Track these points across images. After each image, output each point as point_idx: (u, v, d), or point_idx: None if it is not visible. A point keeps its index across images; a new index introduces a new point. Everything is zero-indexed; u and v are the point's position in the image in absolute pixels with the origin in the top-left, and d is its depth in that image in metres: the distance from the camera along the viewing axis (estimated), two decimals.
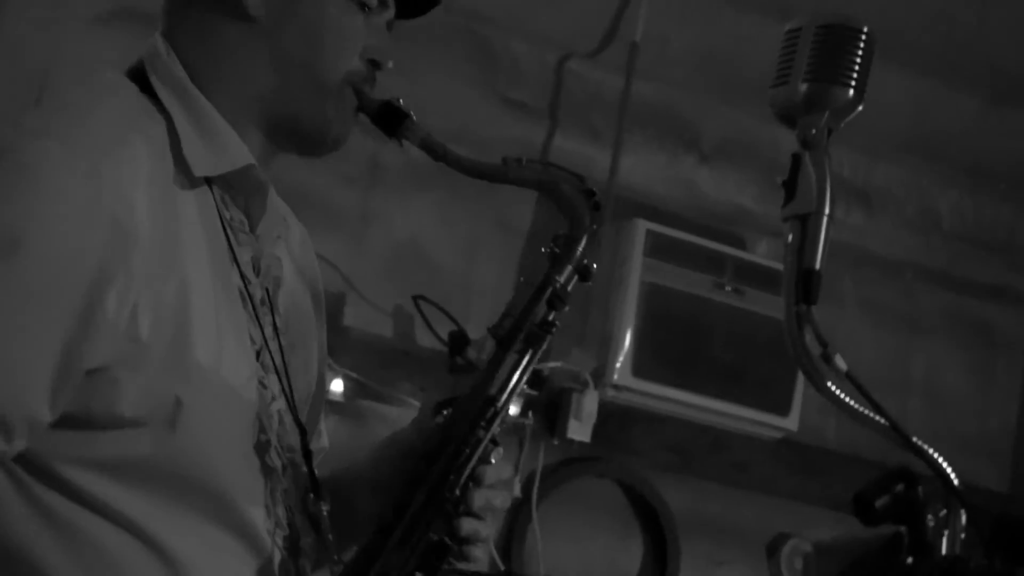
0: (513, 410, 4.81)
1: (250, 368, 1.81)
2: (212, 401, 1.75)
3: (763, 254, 5.13)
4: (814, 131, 1.89)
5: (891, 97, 5.11)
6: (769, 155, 4.95)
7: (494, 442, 1.87)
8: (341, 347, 4.49)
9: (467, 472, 1.84)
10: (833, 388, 1.82)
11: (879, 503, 1.82)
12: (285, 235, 1.99)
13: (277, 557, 1.82)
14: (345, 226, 4.57)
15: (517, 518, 4.88)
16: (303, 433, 1.87)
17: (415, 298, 4.75)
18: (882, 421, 1.83)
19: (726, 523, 5.21)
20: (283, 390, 1.86)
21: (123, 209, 1.69)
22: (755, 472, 5.21)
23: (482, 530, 1.89)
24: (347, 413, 4.54)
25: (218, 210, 1.82)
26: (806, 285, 1.83)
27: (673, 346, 4.89)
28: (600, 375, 4.80)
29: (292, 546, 1.84)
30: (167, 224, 1.74)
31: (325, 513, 1.87)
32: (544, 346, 1.89)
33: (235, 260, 1.82)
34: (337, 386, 4.53)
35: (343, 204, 4.58)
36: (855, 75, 1.88)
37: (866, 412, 1.83)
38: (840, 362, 1.81)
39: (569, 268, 1.90)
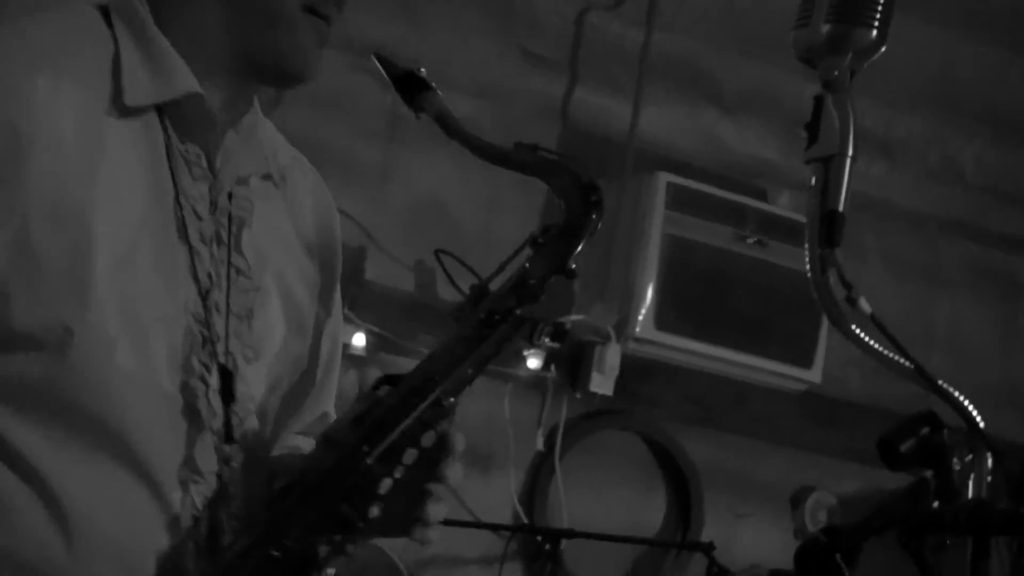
0: (535, 363, 4.85)
1: (177, 306, 1.74)
2: (115, 333, 1.69)
3: (785, 206, 5.11)
4: (836, 73, 1.86)
5: (913, 48, 5.07)
6: (791, 107, 4.92)
7: (429, 425, 1.74)
8: (362, 301, 4.48)
9: (383, 448, 1.71)
10: (858, 331, 1.80)
11: (904, 447, 1.81)
12: (280, 179, 1.92)
13: (187, 503, 1.75)
14: (365, 181, 4.56)
15: (540, 471, 4.89)
16: (224, 375, 1.77)
17: (437, 252, 4.72)
18: (908, 364, 1.81)
19: (749, 476, 5.20)
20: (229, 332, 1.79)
21: (26, 119, 1.66)
22: (778, 425, 5.20)
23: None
24: (369, 367, 4.54)
25: (167, 142, 1.77)
26: (829, 227, 1.81)
27: (695, 299, 4.88)
28: (622, 328, 4.80)
29: (216, 495, 1.77)
30: (86, 147, 1.70)
31: (234, 464, 1.78)
32: (505, 340, 1.77)
33: (177, 193, 1.76)
34: (359, 340, 4.52)
35: (363, 159, 4.57)
36: (878, 15, 1.85)
37: (891, 356, 1.81)
38: (864, 305, 1.79)
39: (553, 262, 1.79)
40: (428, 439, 1.73)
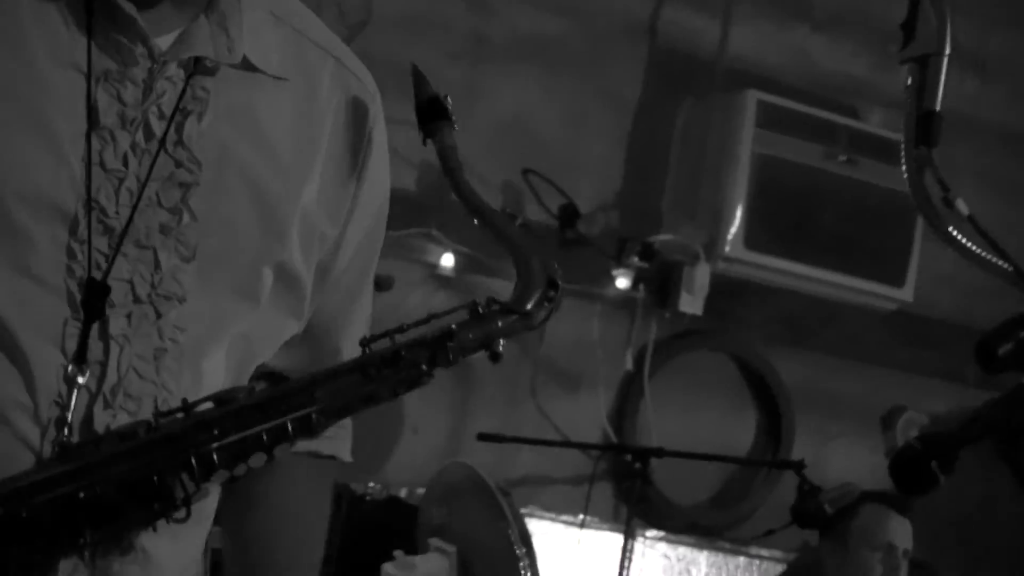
0: (624, 283, 4.84)
1: (61, 189, 1.63)
2: None
3: (877, 124, 5.06)
4: None
5: None
6: (882, 22, 4.86)
7: (290, 437, 1.62)
8: (451, 222, 4.49)
9: (233, 439, 1.59)
10: (955, 233, 1.77)
11: (1002, 350, 1.78)
12: (297, 72, 1.78)
13: (59, 400, 1.63)
14: (451, 101, 4.54)
15: (629, 391, 4.89)
16: (91, 288, 1.65)
17: (525, 172, 4.74)
18: (1006, 267, 1.78)
19: (839, 396, 5.18)
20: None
21: None
22: (869, 344, 5.17)
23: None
24: (456, 288, 4.55)
25: (90, 24, 1.66)
26: (926, 127, 1.77)
27: (785, 217, 4.84)
28: (712, 247, 4.78)
29: (92, 401, 1.65)
30: None
31: (79, 386, 1.64)
32: (398, 389, 1.64)
33: (91, 76, 1.65)
34: (447, 260, 4.56)
35: (449, 79, 4.52)
36: None
37: (989, 258, 1.78)
38: (962, 206, 1.76)
39: (482, 335, 1.66)
40: (240, 470, 1.61)
